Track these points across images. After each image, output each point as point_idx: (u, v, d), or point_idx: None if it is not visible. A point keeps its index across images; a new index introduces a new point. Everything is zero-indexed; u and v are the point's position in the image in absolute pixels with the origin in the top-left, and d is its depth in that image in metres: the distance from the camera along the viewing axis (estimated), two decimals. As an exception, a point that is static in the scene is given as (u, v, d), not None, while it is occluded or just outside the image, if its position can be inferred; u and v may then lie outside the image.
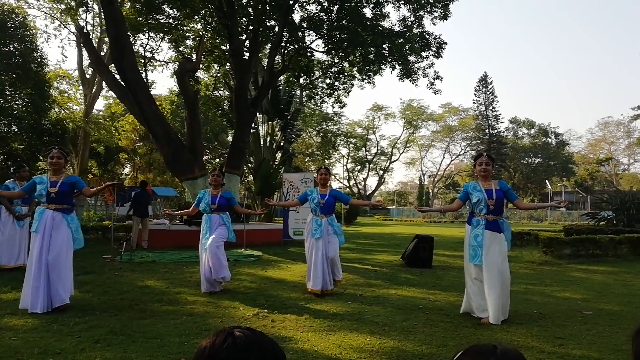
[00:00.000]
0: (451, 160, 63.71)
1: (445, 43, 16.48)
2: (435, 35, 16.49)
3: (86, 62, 26.71)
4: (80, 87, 29.43)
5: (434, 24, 16.14)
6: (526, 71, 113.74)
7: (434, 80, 17.23)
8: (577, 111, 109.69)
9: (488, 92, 55.72)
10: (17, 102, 17.99)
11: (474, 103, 56.89)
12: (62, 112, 26.54)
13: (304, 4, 17.05)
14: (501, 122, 56.27)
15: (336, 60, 18.41)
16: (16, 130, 17.67)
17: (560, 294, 6.53)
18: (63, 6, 17.26)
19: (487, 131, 55.67)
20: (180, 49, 18.63)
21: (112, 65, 15.27)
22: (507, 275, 4.87)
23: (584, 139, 70.64)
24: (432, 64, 16.98)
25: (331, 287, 6.20)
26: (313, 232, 6.22)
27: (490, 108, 55.60)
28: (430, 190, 64.15)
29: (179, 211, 8.52)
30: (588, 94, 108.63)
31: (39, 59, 18.03)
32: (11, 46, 17.08)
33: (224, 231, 6.33)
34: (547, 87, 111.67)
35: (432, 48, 16.52)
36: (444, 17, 15.86)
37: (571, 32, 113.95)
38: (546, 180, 55.09)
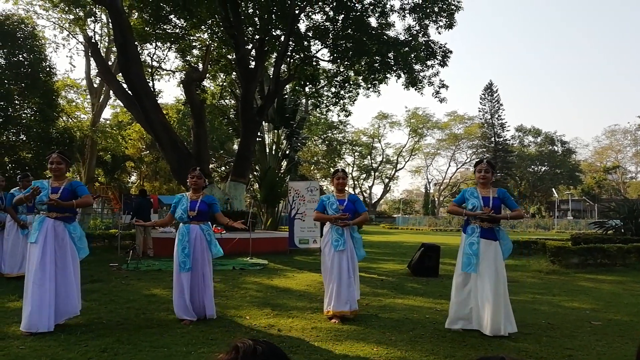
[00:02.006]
0: (457, 169, 63.68)
1: (451, 52, 16.53)
2: (441, 44, 16.57)
3: (94, 71, 27.02)
4: (88, 96, 29.76)
5: (439, 33, 16.29)
6: (532, 79, 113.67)
7: (439, 88, 17.28)
8: (584, 119, 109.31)
9: (494, 100, 55.77)
10: (25, 111, 18.19)
11: (479, 111, 57.01)
12: (70, 121, 26.81)
13: (310, 14, 17.20)
14: (507, 130, 56.34)
15: (341, 69, 18.51)
16: (24, 139, 17.84)
17: (569, 304, 6.47)
18: (72, 16, 17.50)
19: (493, 139, 55.60)
20: (187, 58, 18.81)
21: (120, 74, 15.44)
22: (503, 284, 4.70)
23: (590, 147, 70.25)
24: (437, 72, 17.06)
25: (356, 307, 5.30)
26: (334, 244, 5.27)
27: (496, 116, 55.61)
28: (436, 199, 63.99)
29: (152, 221, 8.02)
30: (594, 102, 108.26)
31: (48, 69, 18.25)
32: (20, 56, 17.30)
33: (209, 258, 5.28)
34: (553, 96, 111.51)
35: (437, 57, 16.59)
36: (450, 26, 15.94)
37: (576, 40, 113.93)
38: (553, 189, 54.80)
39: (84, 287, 6.98)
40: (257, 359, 1.05)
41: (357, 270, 5.58)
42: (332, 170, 50.21)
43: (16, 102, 17.45)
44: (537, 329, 4.96)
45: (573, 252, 10.72)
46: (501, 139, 55.58)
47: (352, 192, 58.00)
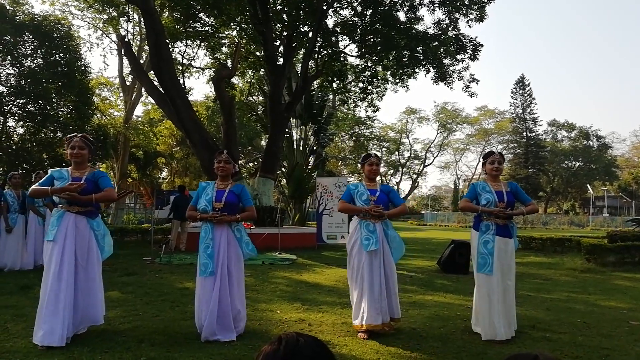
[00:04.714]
0: (487, 164, 62.37)
1: (482, 45, 16.24)
2: (471, 38, 16.30)
3: (126, 69, 27.69)
4: (121, 94, 30.50)
5: (470, 26, 15.97)
6: (566, 72, 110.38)
7: (469, 82, 17.03)
8: (621, 113, 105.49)
9: (525, 94, 54.54)
10: (62, 109, 18.72)
11: (510, 105, 55.88)
12: (104, 118, 27.50)
13: (338, 9, 17.16)
14: (539, 125, 54.98)
15: (369, 64, 18.41)
16: (61, 136, 18.41)
17: (605, 303, 6.30)
18: (105, 16, 17.96)
19: (524, 134, 54.38)
20: (217, 55, 19.04)
21: (152, 72, 15.77)
22: (514, 285, 4.53)
23: (628, 141, 67.64)
24: (467, 66, 16.81)
25: (388, 319, 4.48)
26: (365, 242, 4.41)
27: (528, 110, 54.38)
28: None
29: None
30: (632, 95, 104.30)
31: (83, 68, 18.73)
32: (57, 55, 17.81)
33: (239, 260, 4.39)
34: (588, 89, 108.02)
35: (467, 50, 16.33)
36: (480, 18, 15.64)
37: (613, 31, 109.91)
38: (587, 185, 53.17)
39: (121, 279, 7.25)
40: (299, 350, 1.09)
41: (394, 275, 4.60)
42: (359, 166, 50.11)
43: (53, 100, 17.99)
44: (572, 328, 4.85)
45: (609, 250, 10.42)
46: (533, 134, 54.28)
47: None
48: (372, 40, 16.63)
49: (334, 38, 17.25)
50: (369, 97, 19.64)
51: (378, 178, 5.06)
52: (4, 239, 8.22)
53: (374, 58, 17.51)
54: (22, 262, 8.33)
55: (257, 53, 18.48)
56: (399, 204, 4.78)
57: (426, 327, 4.77)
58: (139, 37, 25.74)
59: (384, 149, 57.49)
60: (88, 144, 4.20)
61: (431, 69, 16.74)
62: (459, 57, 16.46)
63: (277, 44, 17.08)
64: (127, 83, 29.14)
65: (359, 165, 4.89)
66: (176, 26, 16.43)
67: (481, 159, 4.94)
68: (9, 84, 17.08)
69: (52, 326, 3.75)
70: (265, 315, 5.21)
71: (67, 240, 3.95)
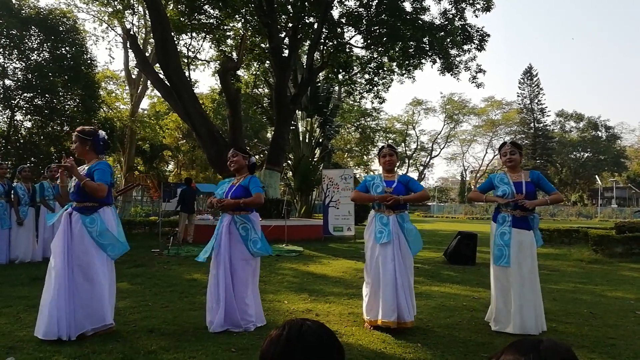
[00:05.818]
0: (494, 156, 62.12)
1: (488, 35, 16.12)
2: (478, 28, 16.17)
3: (132, 63, 27.75)
4: (127, 87, 30.61)
5: (477, 16, 15.81)
6: (574, 61, 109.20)
7: (476, 73, 16.94)
8: (630, 103, 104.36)
9: (533, 85, 54.18)
10: (69, 103, 18.83)
11: (518, 96, 55.55)
12: (110, 111, 27.63)
13: (343, 0, 17.05)
14: (547, 116, 54.71)
15: (375, 56, 18.32)
16: (68, 129, 18.55)
17: (612, 294, 6.30)
18: (110, 9, 17.97)
19: (532, 125, 54.08)
20: (222, 47, 19.03)
21: (157, 65, 15.80)
22: (537, 279, 4.38)
23: (637, 131, 67.11)
24: (474, 57, 16.69)
25: (410, 318, 4.25)
26: (377, 235, 4.34)
27: (536, 101, 54.05)
28: (472, 186, 62.83)
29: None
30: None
31: (89, 61, 18.81)
32: (63, 49, 17.88)
33: (244, 257, 4.26)
34: (596, 79, 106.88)
35: (474, 41, 16.21)
36: (487, 8, 15.50)
37: (621, 19, 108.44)
38: (596, 176, 52.80)
39: (130, 271, 7.32)
40: (302, 335, 1.12)
41: (410, 270, 4.39)
42: (365, 158, 49.99)
43: (60, 94, 18.09)
44: (578, 318, 4.86)
45: (617, 241, 10.38)
46: (541, 125, 54.00)
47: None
48: (377, 31, 16.54)
49: (339, 29, 17.18)
50: (375, 88, 19.56)
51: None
52: (15, 232, 8.34)
53: (379, 49, 17.42)
54: (32, 254, 8.45)
55: (263, 45, 18.45)
56: (419, 190, 4.57)
57: (432, 318, 4.80)
58: (144, 30, 25.75)
59: (390, 141, 57.26)
60: (82, 137, 4.07)
61: (437, 60, 16.64)
62: (465, 47, 16.36)
63: (283, 35, 17.03)
64: (133, 76, 29.24)
65: (377, 157, 4.81)
66: (181, 19, 16.42)
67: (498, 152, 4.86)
68: (16, 78, 17.20)
69: (54, 321, 3.69)
70: (273, 305, 5.26)
71: (64, 234, 3.87)
